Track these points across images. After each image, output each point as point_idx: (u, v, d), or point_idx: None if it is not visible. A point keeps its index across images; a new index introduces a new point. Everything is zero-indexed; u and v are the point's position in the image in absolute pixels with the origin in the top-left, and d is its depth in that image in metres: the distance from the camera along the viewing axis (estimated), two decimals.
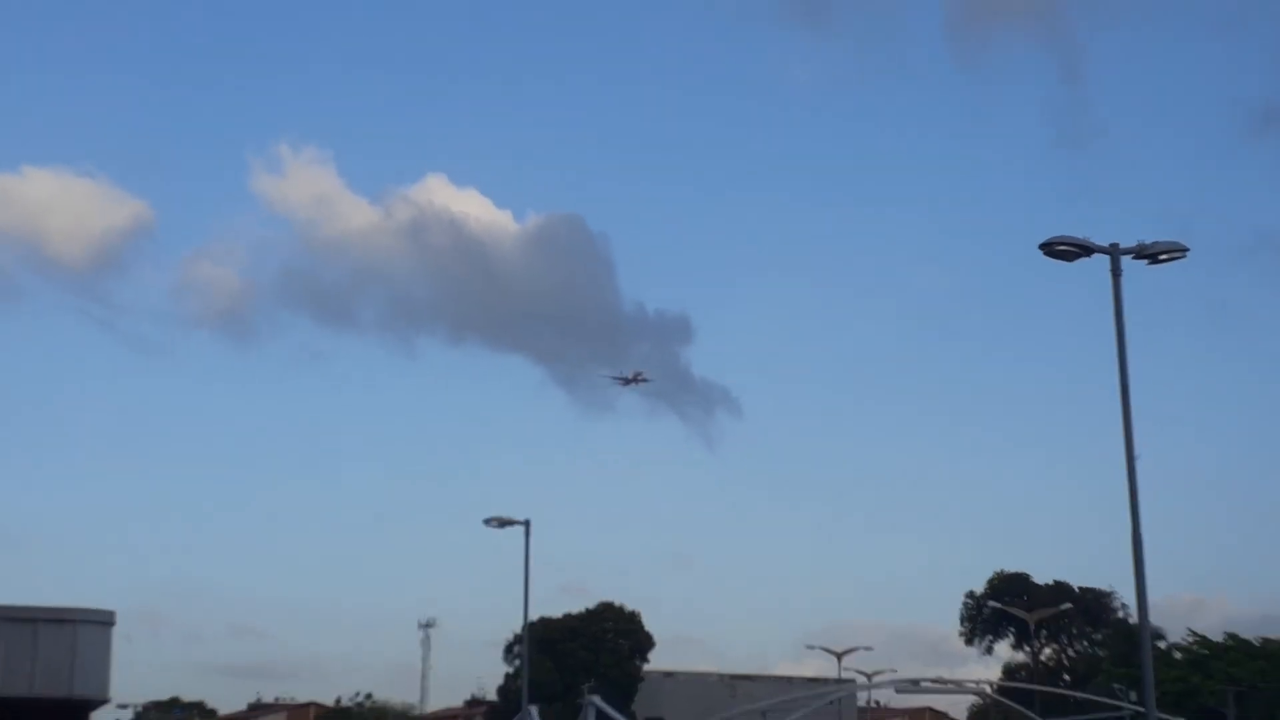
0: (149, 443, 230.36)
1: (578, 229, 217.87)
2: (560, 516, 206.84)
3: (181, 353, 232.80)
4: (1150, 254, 39.96)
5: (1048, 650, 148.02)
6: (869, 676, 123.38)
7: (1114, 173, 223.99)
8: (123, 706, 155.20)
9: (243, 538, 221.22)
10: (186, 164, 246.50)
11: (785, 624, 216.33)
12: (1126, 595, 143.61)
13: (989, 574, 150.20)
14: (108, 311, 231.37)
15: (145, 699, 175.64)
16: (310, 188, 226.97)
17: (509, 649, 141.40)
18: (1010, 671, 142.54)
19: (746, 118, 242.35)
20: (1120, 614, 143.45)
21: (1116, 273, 39.78)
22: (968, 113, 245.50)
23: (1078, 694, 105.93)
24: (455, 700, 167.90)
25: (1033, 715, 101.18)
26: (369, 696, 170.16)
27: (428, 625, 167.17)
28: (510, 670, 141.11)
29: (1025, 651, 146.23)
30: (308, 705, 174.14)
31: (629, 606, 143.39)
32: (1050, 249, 39.26)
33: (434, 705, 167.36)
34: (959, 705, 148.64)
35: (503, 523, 69.54)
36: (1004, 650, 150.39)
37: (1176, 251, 40.08)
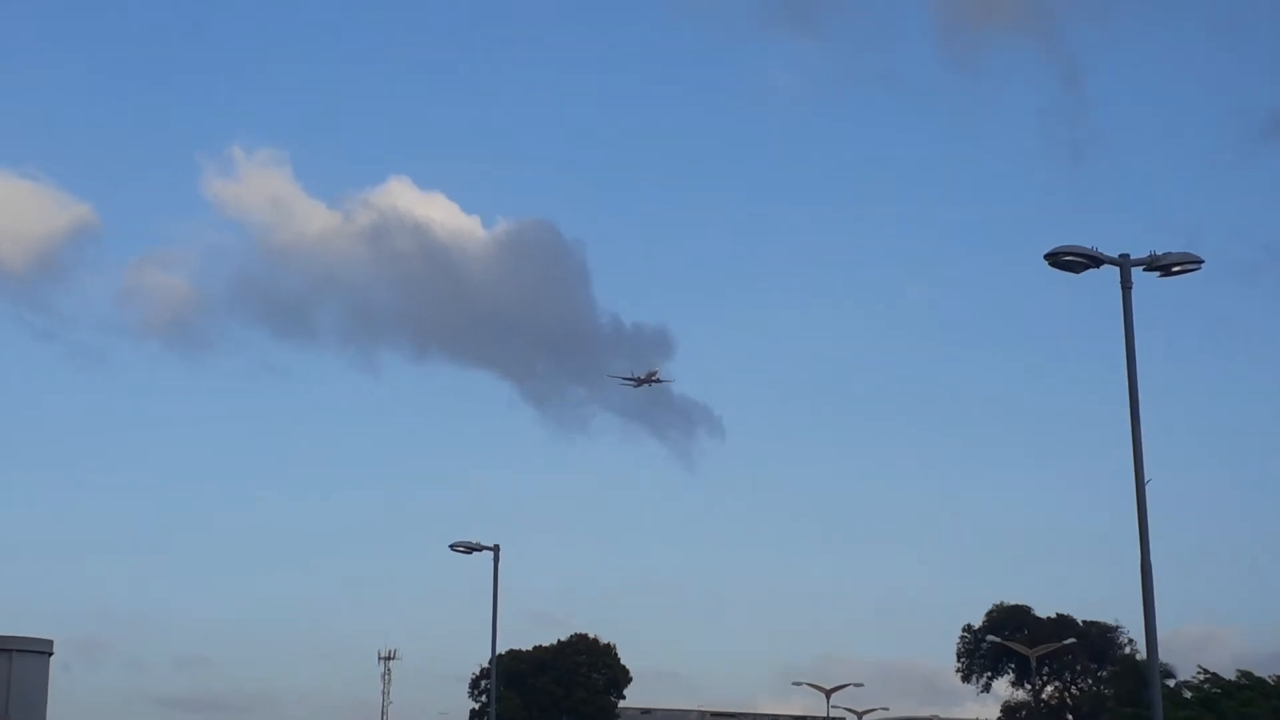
0: (91, 461, 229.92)
1: (550, 236, 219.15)
2: (531, 542, 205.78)
3: (127, 365, 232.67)
4: (1162, 266, 40.02)
5: (1049, 688, 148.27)
6: (859, 715, 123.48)
7: (1113, 182, 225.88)
8: None
9: (191, 562, 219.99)
10: (134, 165, 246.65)
11: (770, 658, 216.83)
12: (1133, 629, 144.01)
13: (987, 606, 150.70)
14: (49, 320, 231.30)
15: None
16: (265, 191, 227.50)
17: (475, 683, 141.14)
18: (1010, 710, 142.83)
19: (730, 122, 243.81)
20: (1127, 649, 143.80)
21: (1127, 285, 39.84)
22: (960, 119, 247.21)
23: None
24: None
25: None
26: None
27: (389, 657, 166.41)
28: (476, 706, 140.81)
29: (1026, 689, 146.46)
30: None
31: (603, 638, 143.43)
32: (1056, 260, 39.27)
33: None
34: None
35: (470, 548, 69.66)
36: (1003, 688, 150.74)
37: (1190, 263, 40.13)
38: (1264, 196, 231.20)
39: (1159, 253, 40.00)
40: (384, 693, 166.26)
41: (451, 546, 69.86)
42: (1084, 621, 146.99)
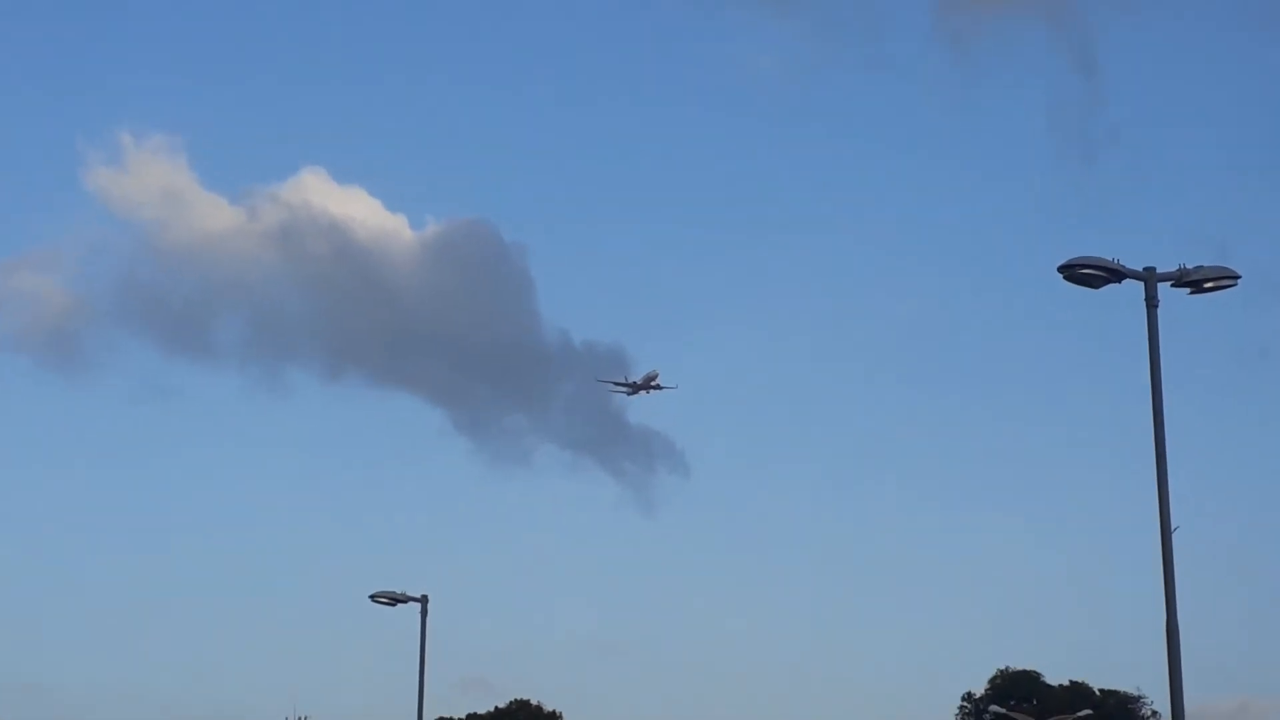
0: None
1: (488, 239, 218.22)
2: (464, 592, 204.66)
3: None
4: (1193, 281, 40.07)
5: None
6: None
7: (1132, 186, 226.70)
8: None
9: (65, 618, 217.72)
10: (5, 153, 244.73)
11: None
12: (1157, 699, 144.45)
13: (990, 671, 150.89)
14: None
15: None
16: (157, 183, 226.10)
17: None
18: None
19: (699, 112, 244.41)
20: None
21: (1152, 303, 39.89)
22: (957, 112, 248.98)
23: None
24: None
25: None
26: None
27: None
28: None
29: None
30: None
31: (548, 705, 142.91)
32: (1072, 273, 39.25)
33: None
34: None
35: (394, 599, 69.39)
36: None
37: (1225, 279, 40.22)
38: None
39: (1188, 266, 40.01)
40: None
41: (372, 597, 69.95)
42: (1101, 690, 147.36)
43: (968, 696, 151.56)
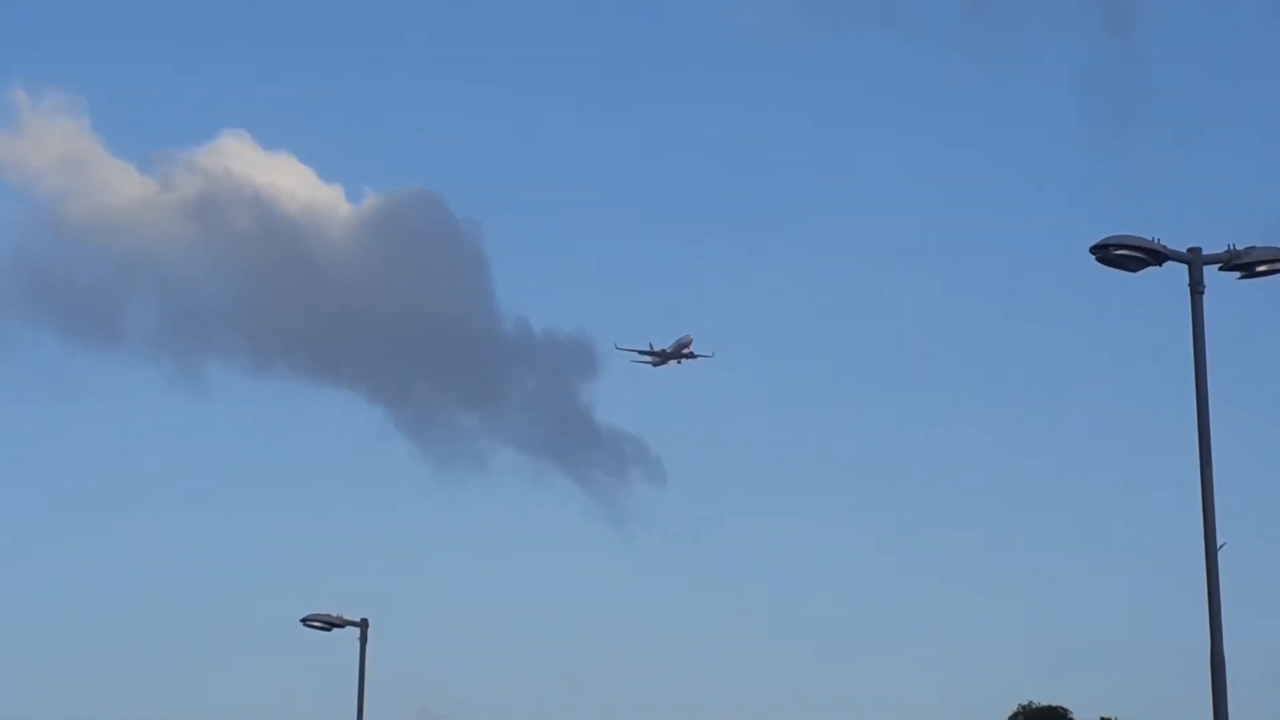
0: None
1: (436, 213, 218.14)
2: (409, 616, 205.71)
3: None
4: (1244, 264, 40.48)
5: None
6: None
7: (1169, 157, 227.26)
8: None
9: None
10: None
11: None
12: None
13: (1012, 707, 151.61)
14: None
15: None
16: (55, 148, 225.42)
17: None
18: None
19: (677, 66, 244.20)
20: None
21: (1197, 288, 40.33)
22: (977, 77, 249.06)
23: None
24: None
25: None
26: None
27: None
28: None
29: None
30: None
31: None
32: (1106, 254, 39.64)
33: None
34: None
35: (329, 623, 69.85)
36: None
37: (1279, 261, 40.60)
38: None
39: (1237, 246, 40.41)
40: None
41: (304, 621, 70.37)
42: None
43: None
